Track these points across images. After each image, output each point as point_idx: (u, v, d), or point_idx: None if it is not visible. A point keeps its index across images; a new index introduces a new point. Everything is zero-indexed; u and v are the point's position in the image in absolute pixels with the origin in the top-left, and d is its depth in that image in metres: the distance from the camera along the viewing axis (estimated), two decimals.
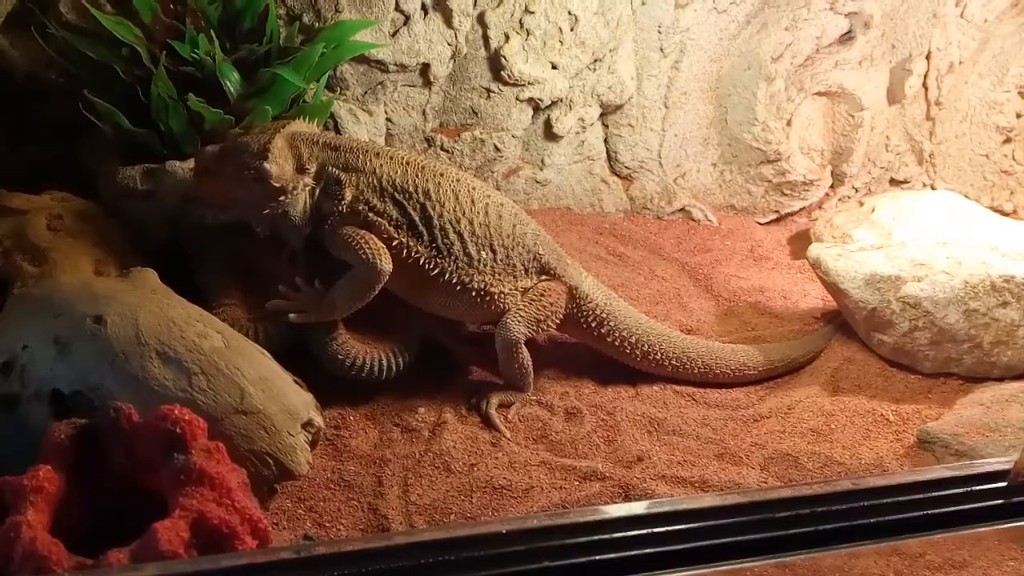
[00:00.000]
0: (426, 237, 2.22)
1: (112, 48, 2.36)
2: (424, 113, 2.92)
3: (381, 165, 2.23)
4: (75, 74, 2.39)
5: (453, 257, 2.23)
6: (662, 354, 2.40)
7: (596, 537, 1.52)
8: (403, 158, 2.26)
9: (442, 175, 2.26)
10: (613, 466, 2.14)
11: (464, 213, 2.25)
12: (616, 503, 2.02)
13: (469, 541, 1.49)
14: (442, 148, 2.95)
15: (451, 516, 1.97)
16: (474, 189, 2.29)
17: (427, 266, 2.22)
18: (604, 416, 2.31)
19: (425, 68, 2.85)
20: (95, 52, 2.35)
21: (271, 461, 1.85)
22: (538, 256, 2.33)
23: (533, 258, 2.32)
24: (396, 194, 2.21)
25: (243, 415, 1.84)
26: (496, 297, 2.28)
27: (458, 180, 2.28)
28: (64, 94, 2.42)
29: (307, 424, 1.93)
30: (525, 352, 2.29)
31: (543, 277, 2.34)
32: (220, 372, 1.85)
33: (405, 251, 2.21)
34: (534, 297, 2.31)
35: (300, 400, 1.95)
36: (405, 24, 2.79)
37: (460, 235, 2.24)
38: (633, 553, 1.51)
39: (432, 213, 2.22)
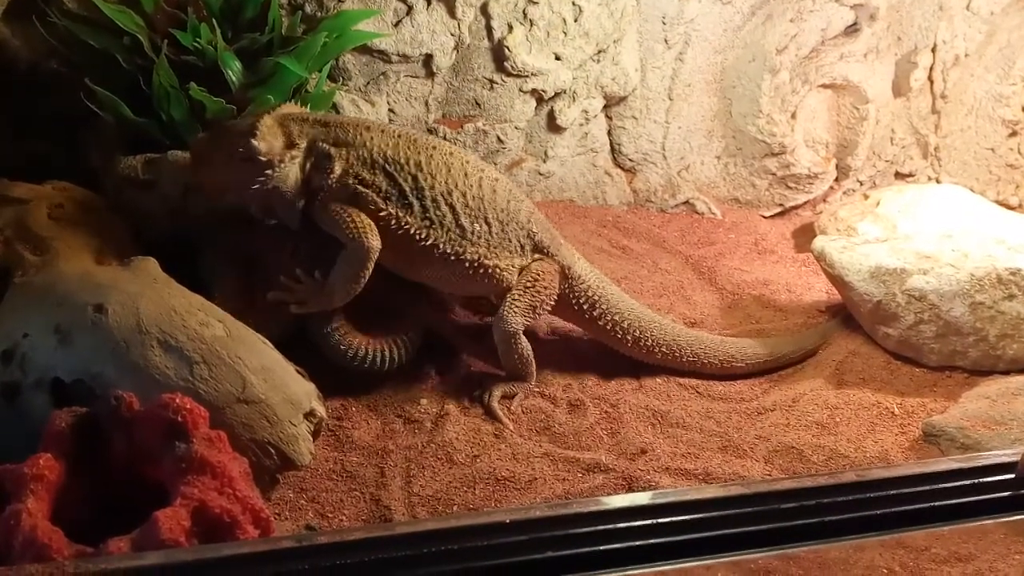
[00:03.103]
0: (417, 208, 2.21)
1: (114, 37, 2.35)
2: (427, 104, 2.91)
3: (372, 138, 2.22)
4: (77, 63, 2.39)
5: (445, 228, 2.22)
6: (653, 341, 2.39)
7: (599, 527, 1.51)
8: (395, 131, 2.25)
9: (435, 148, 2.25)
10: (616, 458, 2.14)
11: (457, 185, 2.23)
12: (619, 495, 2.01)
13: (472, 531, 1.49)
14: (444, 139, 2.93)
15: (454, 507, 1.96)
16: (468, 163, 2.28)
17: (418, 236, 2.20)
18: (607, 408, 2.30)
19: (428, 58, 2.84)
20: (97, 41, 2.34)
21: (273, 451, 1.85)
22: (532, 233, 2.31)
23: (527, 235, 2.31)
24: (387, 166, 2.20)
25: (245, 404, 1.83)
26: (491, 270, 2.26)
27: (451, 153, 2.27)
28: (66, 84, 2.41)
29: (309, 414, 1.93)
30: (524, 342, 2.27)
31: (536, 256, 2.32)
32: (222, 361, 1.85)
33: (395, 222, 2.19)
34: (528, 284, 2.29)
35: (302, 390, 1.94)
36: (408, 14, 2.78)
37: (452, 207, 2.22)
38: (636, 544, 1.50)
39: (424, 184, 2.21)
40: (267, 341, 2.00)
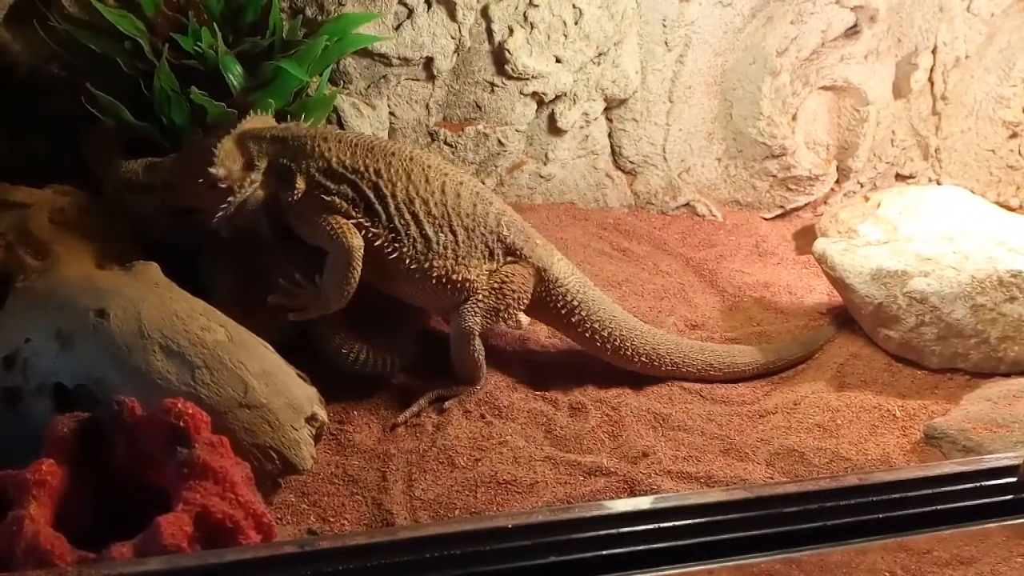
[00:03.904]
0: (383, 218, 2.18)
1: (114, 41, 2.35)
2: (427, 107, 2.91)
3: (329, 148, 2.19)
4: (77, 67, 2.39)
5: (411, 239, 2.18)
6: (632, 351, 2.34)
7: (601, 532, 1.51)
8: (352, 140, 2.23)
9: (393, 154, 2.22)
10: (618, 461, 2.13)
11: (418, 193, 2.20)
12: (621, 498, 2.01)
13: (474, 536, 1.48)
14: (445, 142, 2.94)
15: (455, 511, 1.96)
16: (429, 168, 2.23)
17: (386, 249, 2.18)
18: (609, 411, 2.30)
19: (428, 62, 2.84)
20: (97, 45, 2.35)
21: (275, 455, 1.85)
22: (502, 237, 2.26)
23: (497, 239, 2.26)
24: (348, 174, 2.18)
25: (247, 409, 1.83)
26: (460, 284, 2.22)
27: (411, 159, 2.23)
28: (66, 88, 2.41)
29: (311, 418, 1.93)
30: (479, 344, 2.23)
31: (508, 259, 2.27)
32: (223, 366, 1.85)
33: (364, 230, 2.17)
34: (495, 285, 2.24)
35: (304, 394, 1.94)
36: (408, 17, 2.78)
37: (415, 215, 2.19)
38: (638, 548, 1.50)
39: (386, 193, 2.18)
40: (268, 345, 2.00)
